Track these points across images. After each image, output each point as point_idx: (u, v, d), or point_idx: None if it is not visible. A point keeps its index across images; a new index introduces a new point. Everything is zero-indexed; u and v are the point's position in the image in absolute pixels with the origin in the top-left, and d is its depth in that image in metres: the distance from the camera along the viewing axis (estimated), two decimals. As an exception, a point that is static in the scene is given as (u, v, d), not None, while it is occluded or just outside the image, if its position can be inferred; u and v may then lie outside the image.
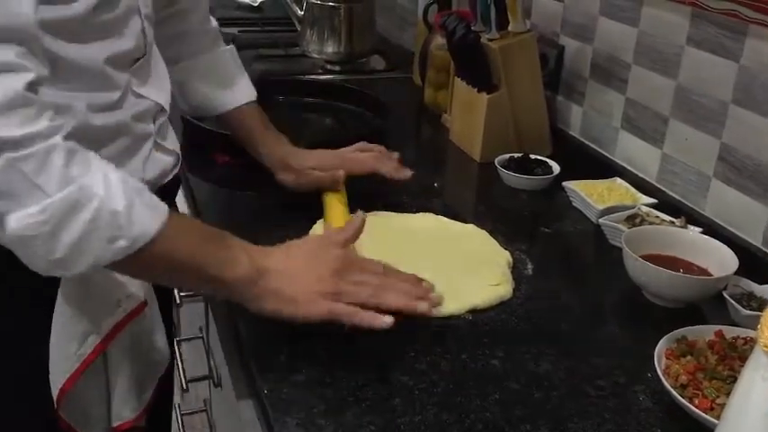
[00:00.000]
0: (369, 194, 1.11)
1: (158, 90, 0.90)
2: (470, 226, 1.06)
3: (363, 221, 0.85)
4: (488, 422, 0.70)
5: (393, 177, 1.09)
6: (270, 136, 1.12)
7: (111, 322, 0.83)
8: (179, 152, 0.97)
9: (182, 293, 1.35)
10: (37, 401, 0.82)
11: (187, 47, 1.10)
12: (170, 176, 0.94)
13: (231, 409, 1.13)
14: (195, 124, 1.28)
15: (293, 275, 0.76)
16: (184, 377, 1.41)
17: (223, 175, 1.23)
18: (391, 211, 1.09)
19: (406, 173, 1.09)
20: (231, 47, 1.17)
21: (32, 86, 0.65)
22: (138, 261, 0.69)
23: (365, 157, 1.12)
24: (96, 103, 0.78)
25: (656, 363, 0.75)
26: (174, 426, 1.67)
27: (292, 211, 1.06)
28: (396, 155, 1.13)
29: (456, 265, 0.95)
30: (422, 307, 0.77)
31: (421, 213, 1.09)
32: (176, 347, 1.50)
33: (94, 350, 0.82)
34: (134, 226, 0.67)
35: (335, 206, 1.04)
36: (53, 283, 0.80)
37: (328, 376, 0.75)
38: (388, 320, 0.74)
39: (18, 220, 0.64)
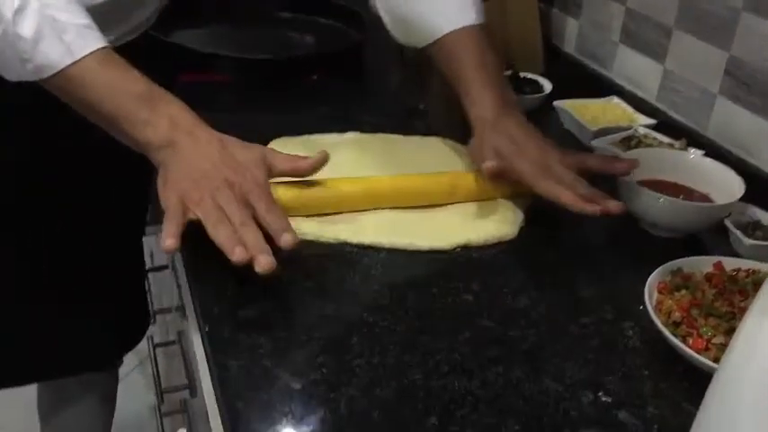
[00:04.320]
0: (346, 117, 1.02)
1: None
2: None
3: (323, 161, 0.76)
4: (456, 364, 0.62)
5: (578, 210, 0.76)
6: (479, 81, 0.86)
7: None
8: None
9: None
10: None
11: None
12: None
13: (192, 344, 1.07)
14: (153, 37, 1.17)
15: (191, 160, 0.70)
16: (152, 307, 1.34)
17: (187, 94, 1.12)
18: (370, 132, 1.00)
19: (593, 208, 0.75)
20: None
21: None
22: (57, 87, 0.71)
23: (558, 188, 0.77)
24: None
25: (646, 297, 0.67)
26: (148, 361, 1.61)
27: (265, 133, 0.96)
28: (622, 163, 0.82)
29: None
30: (260, 262, 0.65)
31: (434, 137, 0.98)
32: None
33: None
34: (39, 55, 0.69)
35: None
36: None
37: (279, 312, 0.67)
38: (239, 256, 0.65)
39: None
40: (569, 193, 0.76)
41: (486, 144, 0.83)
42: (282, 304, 0.68)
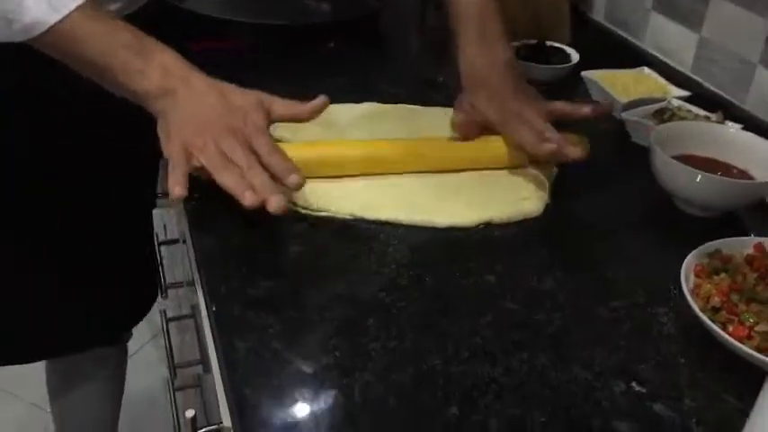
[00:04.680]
0: (364, 86, 0.97)
1: None
2: None
3: (322, 106, 0.74)
4: (477, 349, 0.58)
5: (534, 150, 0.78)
6: (472, 35, 0.85)
7: None
8: None
9: (158, 192, 1.24)
10: None
11: None
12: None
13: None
14: (165, 3, 1.13)
15: (191, 108, 0.69)
16: (164, 280, 1.31)
17: (201, 64, 1.09)
18: (388, 102, 0.95)
19: (549, 146, 0.76)
20: None
21: None
22: (50, 45, 0.68)
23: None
24: None
25: (682, 281, 0.62)
26: (161, 335, 1.59)
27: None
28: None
29: (485, 172, 0.81)
30: (271, 203, 0.64)
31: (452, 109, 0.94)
32: (157, 250, 1.40)
33: None
34: (26, 13, 0.66)
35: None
36: None
37: (290, 291, 0.64)
38: (250, 199, 0.64)
39: None
40: (530, 135, 0.77)
41: (466, 101, 0.84)
42: (293, 283, 0.65)
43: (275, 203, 0.64)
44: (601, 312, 0.63)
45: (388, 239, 0.70)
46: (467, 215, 0.73)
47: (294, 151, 0.72)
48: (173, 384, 1.31)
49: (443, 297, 0.64)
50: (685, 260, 0.64)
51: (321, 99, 0.74)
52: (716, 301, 0.60)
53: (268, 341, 0.58)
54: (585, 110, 0.84)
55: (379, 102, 0.95)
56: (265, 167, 0.67)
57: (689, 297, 0.60)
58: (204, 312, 0.67)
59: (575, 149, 0.77)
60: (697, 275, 0.64)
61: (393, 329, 0.60)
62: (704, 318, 0.59)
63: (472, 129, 0.83)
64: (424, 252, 0.69)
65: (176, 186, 0.65)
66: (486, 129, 0.82)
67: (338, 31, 1.15)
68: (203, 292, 0.64)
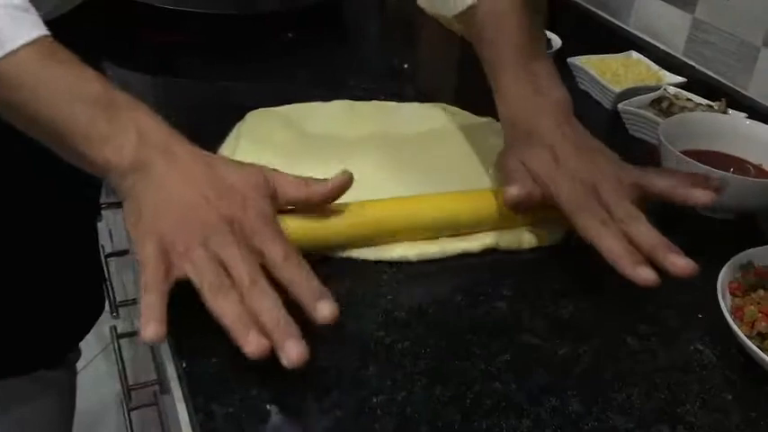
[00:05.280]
0: (330, 81, 0.89)
1: None
2: None
3: (344, 186, 0.56)
4: (499, 396, 0.50)
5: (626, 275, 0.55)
6: (510, 67, 0.67)
7: None
8: None
9: (103, 202, 1.12)
10: None
11: None
12: None
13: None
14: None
15: (171, 189, 0.52)
16: (113, 298, 1.20)
17: (158, 58, 0.97)
18: (358, 98, 0.85)
19: (646, 276, 0.54)
20: None
21: None
22: None
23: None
24: None
25: (720, 300, 0.55)
26: (111, 350, 1.49)
27: (237, 102, 0.81)
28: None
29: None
30: (288, 353, 0.46)
31: (433, 105, 0.84)
32: (104, 264, 1.29)
33: None
34: None
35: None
36: None
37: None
38: (257, 347, 0.46)
39: None
40: (615, 243, 0.55)
41: (515, 159, 0.63)
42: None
43: (294, 353, 0.45)
44: (630, 342, 0.56)
45: (380, 268, 0.61)
46: (474, 238, 0.63)
47: (297, 222, 0.56)
48: (127, 406, 1.21)
49: (451, 332, 0.55)
50: (719, 277, 0.57)
51: (344, 176, 0.56)
52: (762, 326, 0.53)
53: (252, 401, 0.49)
54: (702, 197, 0.59)
55: (349, 99, 0.85)
56: (274, 280, 0.49)
57: (732, 323, 0.53)
58: (173, 376, 0.56)
59: (687, 263, 0.53)
60: (733, 293, 0.57)
61: (399, 376, 0.51)
62: (754, 347, 0.52)
63: (538, 204, 0.61)
64: (420, 278, 0.60)
65: (150, 323, 0.46)
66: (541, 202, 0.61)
67: (296, 20, 1.05)
68: (172, 353, 0.54)
